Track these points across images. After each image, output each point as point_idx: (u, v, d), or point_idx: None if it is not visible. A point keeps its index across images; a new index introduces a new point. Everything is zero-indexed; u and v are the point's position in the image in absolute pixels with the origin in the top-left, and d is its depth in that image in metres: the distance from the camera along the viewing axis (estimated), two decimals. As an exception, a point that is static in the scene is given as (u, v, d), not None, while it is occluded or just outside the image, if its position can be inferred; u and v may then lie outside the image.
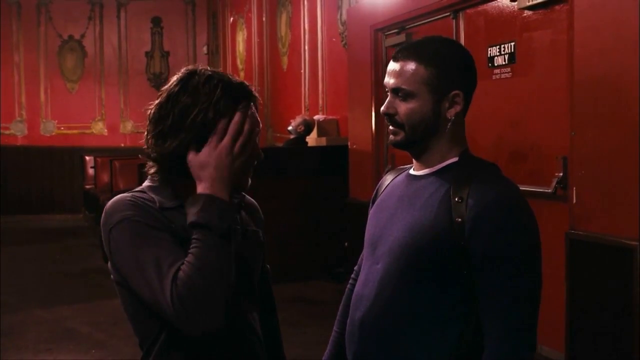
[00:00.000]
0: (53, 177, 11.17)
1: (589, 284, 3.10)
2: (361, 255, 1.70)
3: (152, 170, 1.40)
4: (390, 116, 1.50)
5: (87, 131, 11.55)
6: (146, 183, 1.43)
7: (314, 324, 4.50)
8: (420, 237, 1.43)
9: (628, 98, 2.87)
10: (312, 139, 6.54)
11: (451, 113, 1.49)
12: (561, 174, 3.36)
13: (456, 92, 1.49)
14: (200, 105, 1.32)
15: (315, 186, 6.00)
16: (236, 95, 1.35)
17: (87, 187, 9.93)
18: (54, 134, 11.49)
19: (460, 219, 1.39)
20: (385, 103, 1.51)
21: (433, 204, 1.44)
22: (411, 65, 1.47)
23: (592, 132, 3.07)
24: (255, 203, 1.60)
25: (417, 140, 1.50)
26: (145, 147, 1.40)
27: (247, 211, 1.53)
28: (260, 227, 1.56)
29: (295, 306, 5.02)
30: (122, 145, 11.34)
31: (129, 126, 11.47)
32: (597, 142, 3.04)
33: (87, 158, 10.13)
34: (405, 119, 1.48)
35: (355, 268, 1.72)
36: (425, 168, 1.52)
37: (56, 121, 11.50)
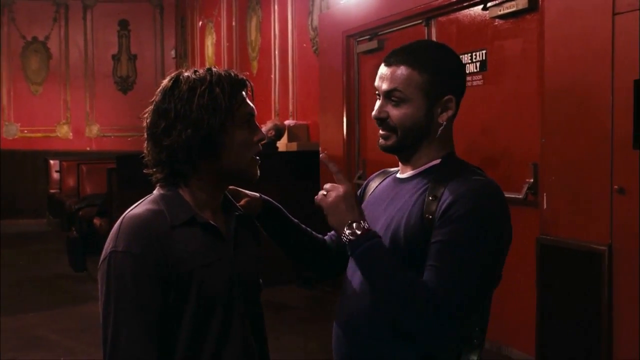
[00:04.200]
0: (16, 181, 10.92)
1: (559, 288, 3.16)
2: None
3: (159, 176, 1.39)
4: (382, 120, 1.50)
5: (52, 134, 11.34)
6: (157, 191, 1.41)
7: (288, 331, 4.49)
8: (396, 237, 1.43)
9: (597, 106, 2.95)
10: (282, 144, 6.53)
11: (443, 118, 1.50)
12: (532, 180, 3.42)
13: (449, 97, 1.50)
14: (201, 87, 1.33)
15: (286, 191, 5.93)
16: (228, 82, 1.36)
17: (52, 191, 9.76)
18: (16, 137, 11.25)
19: (430, 216, 1.39)
20: (377, 107, 1.51)
21: (409, 205, 1.45)
22: (404, 71, 1.47)
23: (562, 139, 3.14)
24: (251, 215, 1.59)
25: (408, 145, 1.51)
26: (148, 157, 1.38)
27: (246, 224, 1.53)
28: (258, 240, 1.56)
29: (268, 312, 5.00)
30: (88, 149, 11.18)
31: (94, 130, 11.28)
32: (567, 148, 3.11)
33: (52, 162, 9.95)
34: (399, 123, 1.48)
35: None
36: (411, 170, 1.53)
37: (19, 124, 11.27)
